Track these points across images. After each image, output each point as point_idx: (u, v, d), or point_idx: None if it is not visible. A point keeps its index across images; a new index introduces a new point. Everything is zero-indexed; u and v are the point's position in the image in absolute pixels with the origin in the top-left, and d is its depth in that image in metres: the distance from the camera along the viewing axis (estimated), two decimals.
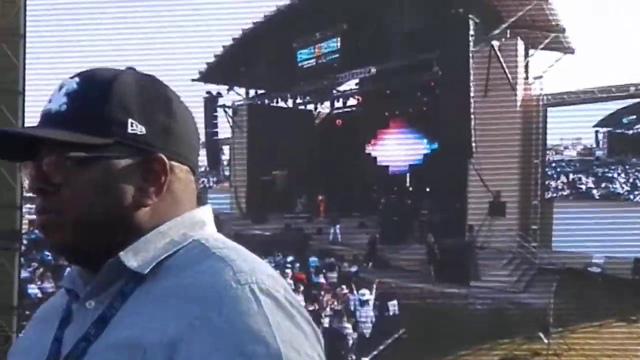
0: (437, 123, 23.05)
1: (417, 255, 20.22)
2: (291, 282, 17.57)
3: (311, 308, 16.21)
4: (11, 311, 13.61)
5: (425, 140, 25.96)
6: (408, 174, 26.69)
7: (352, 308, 16.15)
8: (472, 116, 18.84)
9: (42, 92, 16.01)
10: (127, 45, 19.54)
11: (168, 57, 19.55)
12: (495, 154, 19.47)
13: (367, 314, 15.72)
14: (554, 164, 20.44)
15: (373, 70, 23.37)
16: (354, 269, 19.36)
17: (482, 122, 19.29)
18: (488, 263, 19.12)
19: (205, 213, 1.44)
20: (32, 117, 14.12)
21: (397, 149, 26.76)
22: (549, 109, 20.34)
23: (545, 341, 14.99)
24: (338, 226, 22.84)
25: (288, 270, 18.37)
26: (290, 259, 20.05)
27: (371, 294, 16.30)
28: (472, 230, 19.59)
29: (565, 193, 20.35)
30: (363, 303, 15.96)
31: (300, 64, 25.95)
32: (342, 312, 15.19)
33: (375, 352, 15.21)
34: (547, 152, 20.52)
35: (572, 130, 20.02)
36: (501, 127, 19.57)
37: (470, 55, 18.68)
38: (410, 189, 26.14)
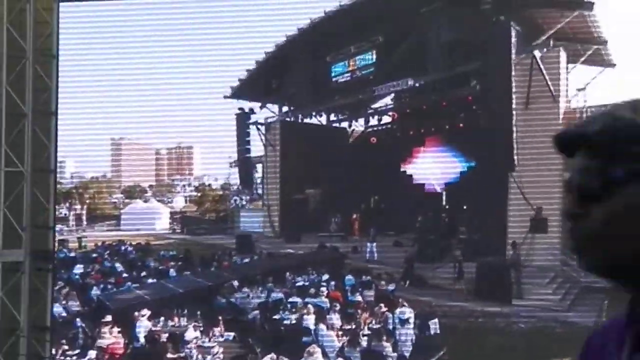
0: (474, 140, 22.18)
1: (455, 274, 19.47)
2: (326, 300, 16.96)
3: (348, 327, 15.59)
4: (44, 332, 13.47)
5: (462, 158, 25.33)
6: (444, 193, 25.99)
7: (390, 327, 15.39)
8: (514, 127, 18.06)
9: (74, 114, 16.94)
10: (159, 64, 19.26)
11: (200, 74, 19.24)
12: (536, 168, 18.55)
13: (407, 334, 14.93)
14: None
15: (410, 82, 22.69)
16: (391, 287, 18.64)
17: (523, 135, 18.54)
18: (530, 281, 18.30)
19: None
20: (65, 139, 14.97)
21: (433, 167, 26.10)
22: None
23: None
24: (375, 244, 22.07)
25: (323, 289, 17.70)
26: (325, 277, 19.34)
27: (411, 312, 15.53)
28: (515, 246, 18.75)
29: None
30: (403, 322, 15.18)
31: (334, 79, 25.35)
32: (381, 332, 14.40)
33: None
34: None
35: None
36: (543, 140, 18.65)
37: (513, 64, 17.93)
38: (447, 207, 25.37)
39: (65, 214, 29.60)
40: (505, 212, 19.87)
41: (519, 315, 17.20)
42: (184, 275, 20.83)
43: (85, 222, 29.78)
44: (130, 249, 25.28)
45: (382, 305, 16.21)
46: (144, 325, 16.22)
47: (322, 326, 15.15)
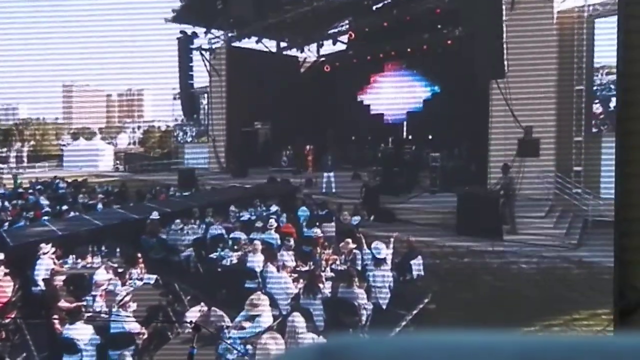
0: (440, 62, 19.00)
1: (426, 206, 15.12)
2: (276, 235, 12.47)
3: (305, 269, 10.68)
4: None
5: (426, 83, 20.84)
6: (406, 121, 21.32)
7: (360, 268, 10.45)
8: (504, 27, 13.68)
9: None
10: None
11: None
12: (525, 79, 14.19)
13: (385, 277, 9.86)
14: (601, 88, 14.90)
15: None
16: (355, 220, 13.74)
17: (508, 40, 14.13)
18: (523, 213, 13.76)
19: None
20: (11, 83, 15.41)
21: (393, 96, 21.73)
22: (597, 20, 15.01)
23: None
24: (332, 174, 17.70)
25: (272, 222, 12.89)
26: (274, 208, 14.78)
27: (388, 248, 10.43)
28: (507, 170, 14.03)
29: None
30: (379, 262, 10.06)
31: None
32: (351, 274, 9.38)
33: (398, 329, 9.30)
34: (595, 74, 15.23)
35: None
36: (533, 45, 14.35)
37: None
38: (411, 137, 20.76)
39: (5, 153, 26.75)
40: (486, 133, 15.45)
41: (516, 254, 12.42)
42: (111, 209, 15.93)
43: (25, 162, 26.72)
44: (62, 184, 21.46)
45: (349, 241, 11.19)
46: (44, 264, 11.18)
47: (271, 268, 10.36)
